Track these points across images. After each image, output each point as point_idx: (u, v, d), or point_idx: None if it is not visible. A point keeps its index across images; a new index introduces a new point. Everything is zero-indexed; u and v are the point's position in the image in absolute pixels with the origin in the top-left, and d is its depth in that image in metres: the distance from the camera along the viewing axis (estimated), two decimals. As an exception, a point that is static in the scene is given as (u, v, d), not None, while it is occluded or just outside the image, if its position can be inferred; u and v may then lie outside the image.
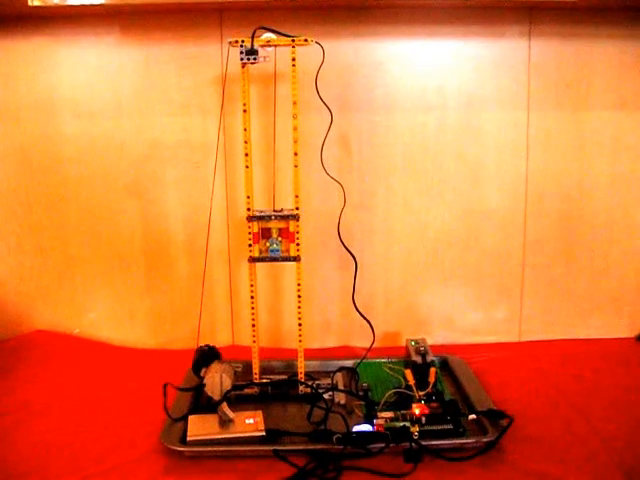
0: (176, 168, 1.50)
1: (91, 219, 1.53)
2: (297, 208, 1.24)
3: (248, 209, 1.24)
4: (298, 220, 1.24)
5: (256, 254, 1.26)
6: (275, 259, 1.26)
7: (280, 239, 1.25)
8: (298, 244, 1.25)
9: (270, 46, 1.20)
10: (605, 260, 1.56)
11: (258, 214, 1.24)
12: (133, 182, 1.51)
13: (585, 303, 1.58)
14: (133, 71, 1.47)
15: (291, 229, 1.24)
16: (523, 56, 1.47)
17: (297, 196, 1.23)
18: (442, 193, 1.52)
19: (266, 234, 1.26)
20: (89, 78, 1.47)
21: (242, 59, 1.18)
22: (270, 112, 1.35)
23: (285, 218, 1.24)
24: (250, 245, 1.24)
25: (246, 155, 1.23)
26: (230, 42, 1.19)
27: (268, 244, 1.25)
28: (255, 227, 1.25)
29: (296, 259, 1.26)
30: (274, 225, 1.25)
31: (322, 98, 1.27)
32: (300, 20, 1.41)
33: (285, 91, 1.24)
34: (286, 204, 1.27)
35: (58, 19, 1.44)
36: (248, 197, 1.24)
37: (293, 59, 1.19)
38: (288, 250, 1.25)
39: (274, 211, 1.26)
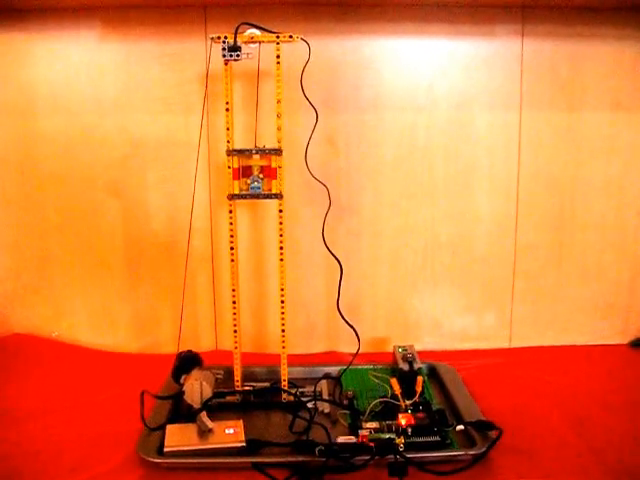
0: (158, 168, 1.46)
1: (70, 219, 1.49)
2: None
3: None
4: (281, 155, 1.18)
5: (236, 191, 1.20)
6: (256, 196, 1.20)
7: (262, 176, 1.19)
8: (280, 182, 1.19)
9: (254, 42, 1.16)
10: (598, 264, 1.53)
11: (238, 148, 1.19)
12: (114, 182, 1.47)
13: (577, 308, 1.55)
14: (114, 67, 1.43)
15: (273, 165, 1.19)
16: (516, 56, 1.44)
17: (281, 197, 1.20)
18: (431, 195, 1.49)
19: (247, 172, 1.20)
20: (68, 74, 1.43)
21: (224, 56, 1.14)
22: (254, 111, 1.31)
23: (267, 153, 1.18)
24: (230, 183, 1.19)
25: (228, 155, 1.19)
26: (212, 38, 1.15)
27: (249, 181, 1.19)
28: (235, 162, 1.19)
29: (278, 196, 1.20)
30: (255, 162, 1.19)
31: (307, 97, 1.23)
32: (286, 17, 1.38)
33: (270, 89, 1.20)
34: (269, 206, 1.23)
35: (36, 13, 1.39)
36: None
37: (277, 56, 1.15)
38: (270, 188, 1.20)
39: (255, 147, 1.20)
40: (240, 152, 1.19)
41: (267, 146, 1.19)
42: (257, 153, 1.19)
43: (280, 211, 1.20)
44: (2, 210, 1.50)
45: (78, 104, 1.44)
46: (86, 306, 1.54)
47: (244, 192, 1.20)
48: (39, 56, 1.43)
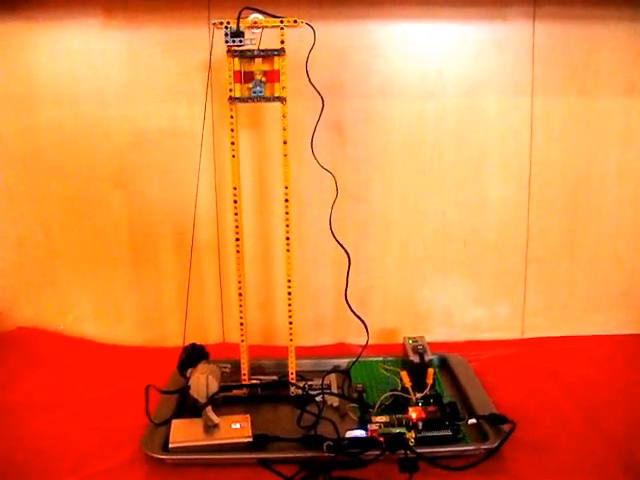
0: (162, 158, 1.44)
1: (74, 211, 1.47)
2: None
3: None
4: (283, 55, 1.13)
5: (237, 94, 1.16)
6: (258, 99, 1.16)
7: (264, 79, 1.15)
8: (284, 87, 1.15)
9: (257, 28, 1.13)
10: (612, 253, 1.50)
11: (240, 49, 1.13)
12: (118, 172, 1.45)
13: (591, 298, 1.52)
14: (117, 56, 1.40)
15: (275, 67, 1.14)
16: (527, 39, 1.40)
17: (287, 187, 1.17)
18: (441, 183, 1.46)
19: (249, 78, 1.15)
20: (70, 64, 1.40)
21: (227, 42, 1.11)
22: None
23: (269, 55, 1.13)
24: (230, 83, 1.15)
25: (232, 144, 1.16)
26: (214, 23, 1.12)
27: (251, 86, 1.15)
28: (236, 64, 1.14)
29: (280, 99, 1.15)
30: (257, 67, 1.14)
31: (313, 83, 1.20)
32: (290, 1, 1.34)
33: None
34: (275, 196, 1.20)
35: (37, 2, 1.37)
36: (235, 188, 1.18)
37: (282, 42, 1.12)
38: (273, 92, 1.16)
39: (258, 48, 1.14)
40: (242, 54, 1.14)
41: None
42: (259, 56, 1.14)
43: (286, 200, 1.17)
44: (6, 203, 1.48)
45: (81, 94, 1.42)
46: (91, 299, 1.52)
47: (246, 96, 1.16)
48: (40, 45, 1.40)
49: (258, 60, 1.14)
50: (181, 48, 1.39)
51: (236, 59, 1.14)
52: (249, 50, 1.13)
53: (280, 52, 1.13)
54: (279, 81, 1.15)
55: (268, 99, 1.16)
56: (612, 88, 1.43)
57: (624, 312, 1.53)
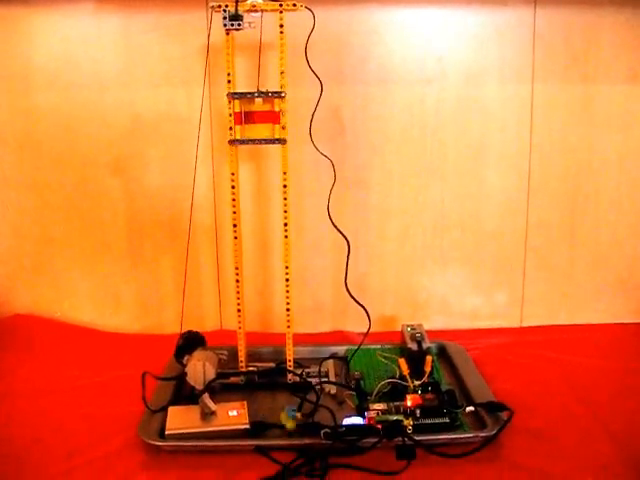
0: (160, 143, 1.43)
1: (71, 198, 1.46)
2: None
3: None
4: (284, 98, 1.14)
5: (238, 136, 1.16)
6: (258, 141, 1.16)
7: None
8: (284, 127, 1.15)
9: (256, 11, 1.12)
10: (612, 241, 1.49)
11: (240, 92, 1.14)
12: (115, 159, 1.44)
13: (590, 286, 1.52)
14: (113, 40, 1.39)
15: (276, 109, 1.14)
16: (528, 25, 1.39)
17: (285, 173, 1.16)
18: (441, 170, 1.45)
19: (249, 118, 1.16)
20: (66, 48, 1.39)
21: (225, 25, 1.10)
22: (257, 84, 1.27)
23: (269, 96, 1.14)
24: (231, 128, 1.15)
25: (230, 129, 1.15)
26: (212, 7, 1.11)
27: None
28: (237, 106, 1.15)
29: (280, 141, 1.16)
30: (258, 107, 1.15)
31: (312, 68, 1.19)
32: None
33: (273, 62, 1.16)
34: (274, 182, 1.19)
35: (32, -15, 1.36)
36: (232, 174, 1.17)
37: (281, 25, 1.11)
38: (273, 134, 1.16)
39: (258, 90, 1.15)
40: (242, 95, 1.14)
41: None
42: (259, 96, 1.14)
43: (284, 187, 1.16)
44: (2, 190, 1.47)
45: (77, 79, 1.40)
46: (88, 286, 1.51)
47: (246, 138, 1.16)
48: (36, 31, 1.39)
49: (259, 100, 1.15)
50: (179, 32, 1.37)
51: (236, 101, 1.14)
52: (249, 92, 1.14)
53: (281, 94, 1.14)
54: (279, 122, 1.15)
55: (268, 141, 1.16)
56: (613, 75, 1.42)
57: (624, 300, 1.52)
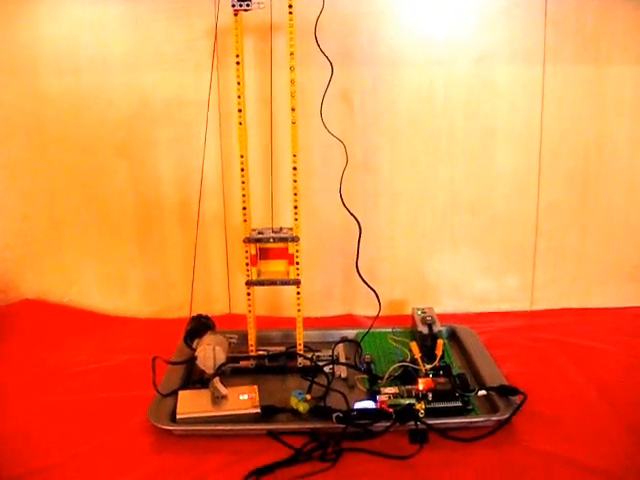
0: (168, 127, 1.42)
1: (79, 182, 1.46)
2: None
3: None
4: (298, 242, 1.18)
5: (254, 277, 1.20)
6: (274, 282, 1.21)
7: None
8: (298, 267, 1.20)
9: (264, -10, 1.11)
10: (624, 224, 1.48)
11: (256, 235, 1.19)
12: (122, 143, 1.43)
13: (602, 270, 1.51)
14: (120, 23, 1.38)
15: (290, 251, 1.19)
16: (539, 6, 1.38)
17: (295, 155, 1.15)
18: (451, 153, 1.44)
19: (264, 255, 1.21)
20: (73, 32, 1.38)
21: (234, 5, 1.09)
22: (267, 67, 1.26)
23: (284, 240, 1.18)
24: (247, 266, 1.20)
25: (239, 111, 1.14)
26: (221, -13, 1.10)
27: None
28: (253, 249, 1.19)
29: (296, 282, 1.20)
30: (273, 246, 1.20)
31: (322, 49, 1.18)
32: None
33: (283, 44, 1.15)
34: (284, 164, 1.18)
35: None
36: (242, 156, 1.16)
37: (290, 5, 1.09)
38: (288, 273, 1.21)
39: (272, 231, 1.20)
40: (258, 240, 1.19)
41: (284, 229, 1.20)
42: (275, 242, 1.19)
43: (294, 168, 1.15)
44: (9, 174, 1.46)
45: (84, 63, 1.40)
46: (96, 271, 1.51)
47: (262, 279, 1.21)
48: (43, 14, 1.38)
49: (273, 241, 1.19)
50: (186, 14, 1.36)
51: (252, 244, 1.18)
52: (265, 238, 1.19)
53: (295, 239, 1.18)
54: (293, 264, 1.19)
55: (284, 282, 1.20)
56: (625, 57, 1.40)
57: (635, 285, 1.51)
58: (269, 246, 1.20)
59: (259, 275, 1.21)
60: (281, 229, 1.20)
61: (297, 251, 1.19)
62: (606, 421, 1.04)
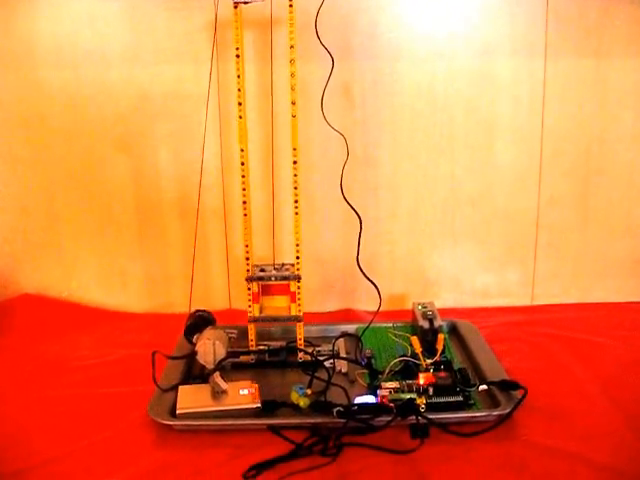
0: (167, 121, 1.41)
1: (78, 176, 1.45)
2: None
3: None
4: (299, 281, 1.19)
5: (256, 313, 1.21)
6: (276, 319, 1.23)
7: None
8: (299, 304, 1.22)
9: (264, -16, 1.10)
10: (626, 219, 1.48)
11: (258, 274, 1.21)
12: (122, 137, 1.42)
13: (603, 265, 1.50)
14: (119, 17, 1.37)
15: (292, 289, 1.20)
16: (540, -2, 1.37)
17: (295, 149, 1.14)
18: (452, 147, 1.43)
19: (266, 291, 1.23)
20: (72, 25, 1.38)
21: (234, -1, 1.09)
22: (267, 60, 1.26)
23: (286, 278, 1.20)
24: (249, 305, 1.21)
25: (239, 104, 1.13)
26: (220, -20, 1.09)
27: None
28: (255, 287, 1.20)
29: (298, 319, 1.21)
30: (274, 283, 1.22)
31: (323, 43, 1.17)
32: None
33: (283, 37, 1.14)
34: (284, 158, 1.18)
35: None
36: (242, 150, 1.15)
37: (290, -2, 1.09)
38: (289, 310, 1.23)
39: (274, 268, 1.22)
40: (260, 279, 1.21)
41: (286, 265, 1.22)
42: (276, 280, 1.21)
43: (294, 162, 1.15)
44: (8, 168, 1.46)
45: (83, 56, 1.39)
46: (96, 265, 1.50)
47: (264, 315, 1.23)
48: (42, 7, 1.37)
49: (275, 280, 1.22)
50: (185, 7, 1.35)
51: (254, 283, 1.21)
52: (267, 276, 1.21)
53: (297, 278, 1.20)
54: (295, 302, 1.20)
55: (286, 319, 1.22)
56: (628, 50, 1.40)
57: (636, 280, 1.51)
58: (271, 283, 1.22)
59: (261, 311, 1.23)
60: (283, 265, 1.22)
61: (299, 288, 1.20)
62: (607, 416, 1.04)
